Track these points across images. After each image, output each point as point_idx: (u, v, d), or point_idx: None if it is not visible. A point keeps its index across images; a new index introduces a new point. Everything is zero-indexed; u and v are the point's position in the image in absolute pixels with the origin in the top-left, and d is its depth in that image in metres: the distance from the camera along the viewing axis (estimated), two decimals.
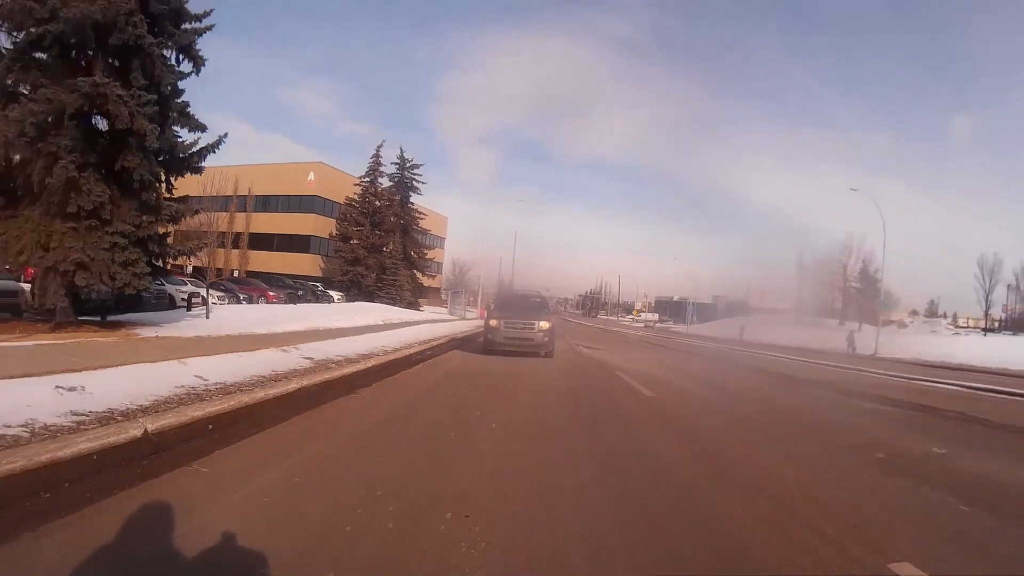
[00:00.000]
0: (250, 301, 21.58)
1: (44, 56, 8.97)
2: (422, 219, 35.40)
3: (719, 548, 2.23)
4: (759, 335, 32.44)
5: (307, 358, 6.52)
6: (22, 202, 9.08)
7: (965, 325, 52.92)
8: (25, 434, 3.06)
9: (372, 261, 31.46)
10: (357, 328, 12.37)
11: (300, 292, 25.51)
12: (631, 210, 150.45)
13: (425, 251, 35.81)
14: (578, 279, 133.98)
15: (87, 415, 3.49)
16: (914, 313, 58.99)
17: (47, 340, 7.60)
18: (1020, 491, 3.33)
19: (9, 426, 3.15)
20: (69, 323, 9.46)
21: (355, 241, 31.79)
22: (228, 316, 12.73)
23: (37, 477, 2.66)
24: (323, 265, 35.36)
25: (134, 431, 3.29)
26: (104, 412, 3.57)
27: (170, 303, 16.60)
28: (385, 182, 33.57)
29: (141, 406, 3.77)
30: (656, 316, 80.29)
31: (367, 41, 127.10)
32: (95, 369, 4.64)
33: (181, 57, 10.15)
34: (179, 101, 10.30)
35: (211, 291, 17.61)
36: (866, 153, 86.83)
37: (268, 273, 31.16)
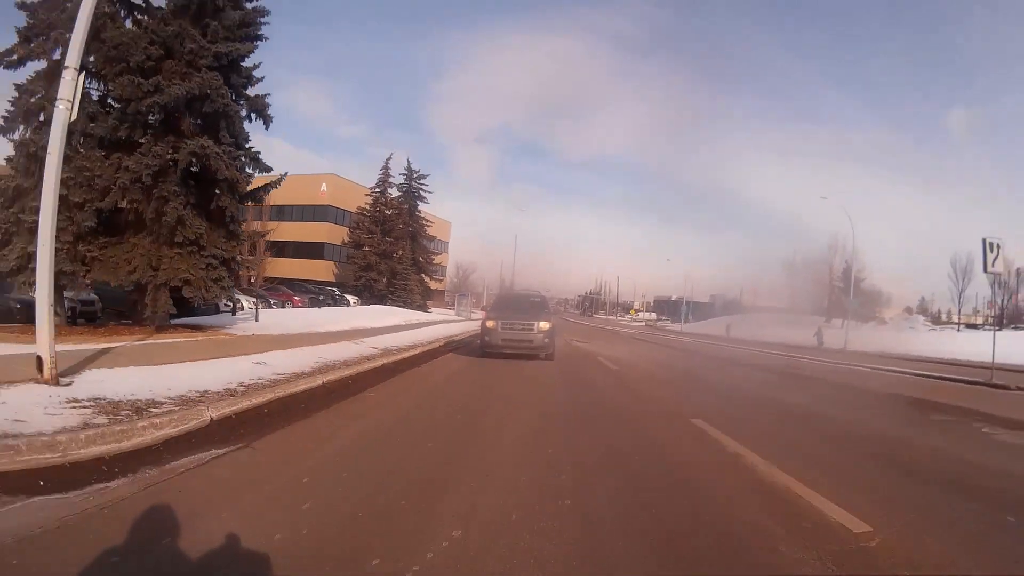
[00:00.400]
0: (280, 306, 24.40)
1: (146, 118, 11.75)
2: (429, 226, 38.29)
3: (616, 416, 5.09)
4: (745, 332, 35.23)
5: (374, 348, 9.34)
6: (126, 232, 11.86)
7: (955, 322, 55.46)
8: (268, 383, 5.84)
9: (383, 266, 34.31)
10: (388, 327, 15.19)
11: (321, 297, 28.36)
12: (630, 211, 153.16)
13: (432, 256, 38.68)
14: (577, 280, 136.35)
15: (284, 375, 6.27)
16: (908, 310, 61.20)
17: (170, 339, 10.35)
18: (801, 409, 6.11)
19: (255, 379, 5.93)
20: (168, 326, 12.25)
21: (367, 248, 34.60)
22: (273, 319, 15.51)
23: (289, 401, 5.44)
24: (336, 270, 38.19)
25: (318, 382, 6.10)
26: (291, 374, 6.36)
27: (215, 308, 19.40)
28: (394, 192, 36.50)
29: (307, 371, 6.57)
30: (654, 315, 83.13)
31: (365, 42, 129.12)
32: (255, 353, 7.43)
33: (254, 115, 12.99)
34: (251, 148, 13.13)
35: (248, 297, 20.44)
36: (864, 150, 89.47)
37: (287, 279, 34.00)
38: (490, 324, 10.90)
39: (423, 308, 34.12)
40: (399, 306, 29.55)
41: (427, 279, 37.72)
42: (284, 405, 5.04)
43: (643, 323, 70.87)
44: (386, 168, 35.97)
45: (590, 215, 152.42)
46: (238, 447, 3.70)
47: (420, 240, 37.20)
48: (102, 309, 16.40)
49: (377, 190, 35.79)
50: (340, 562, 2.05)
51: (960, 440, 4.87)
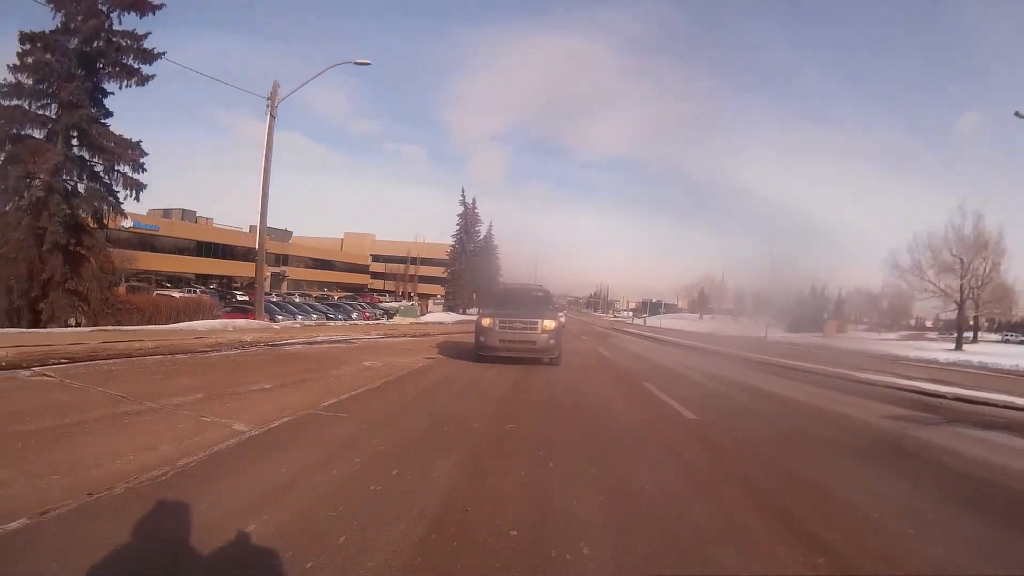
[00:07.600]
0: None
1: None
2: (500, 269, 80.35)
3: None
4: (669, 323, 76.34)
5: None
6: None
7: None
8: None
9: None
10: None
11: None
12: (634, 216, 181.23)
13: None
14: (582, 281, 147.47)
15: None
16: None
17: None
18: (594, 326, 48.02)
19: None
20: None
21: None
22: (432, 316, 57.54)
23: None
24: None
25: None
26: None
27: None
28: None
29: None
30: (631, 313, 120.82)
31: (387, 40, 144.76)
32: None
33: None
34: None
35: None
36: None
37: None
38: (486, 323, 10.53)
39: None
40: None
41: None
42: None
43: (619, 319, 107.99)
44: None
45: (599, 217, 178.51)
46: None
47: (497, 277, 79.41)
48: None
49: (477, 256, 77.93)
50: None
51: (609, 330, 46.57)
